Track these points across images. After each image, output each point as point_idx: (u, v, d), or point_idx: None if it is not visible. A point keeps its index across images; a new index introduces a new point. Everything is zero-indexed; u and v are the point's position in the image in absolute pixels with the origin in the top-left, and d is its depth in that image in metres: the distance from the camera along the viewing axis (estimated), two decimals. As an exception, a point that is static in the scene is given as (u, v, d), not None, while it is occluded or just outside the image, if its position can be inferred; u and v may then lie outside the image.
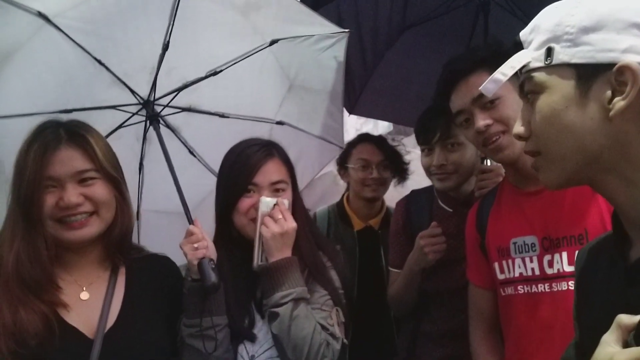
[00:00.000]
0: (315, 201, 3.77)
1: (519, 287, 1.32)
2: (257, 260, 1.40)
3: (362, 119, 4.89)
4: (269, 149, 1.48)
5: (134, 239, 1.49)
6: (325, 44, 2.16)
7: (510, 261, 1.35)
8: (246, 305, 1.42)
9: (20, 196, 1.19)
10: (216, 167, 1.60)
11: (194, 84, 1.92)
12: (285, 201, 1.42)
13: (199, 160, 2.09)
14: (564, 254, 1.25)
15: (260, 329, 1.40)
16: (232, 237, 1.44)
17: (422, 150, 1.94)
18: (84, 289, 1.25)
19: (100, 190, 1.24)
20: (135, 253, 1.36)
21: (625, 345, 0.64)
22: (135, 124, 1.94)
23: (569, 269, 1.23)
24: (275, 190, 1.44)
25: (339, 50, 2.20)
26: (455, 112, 1.44)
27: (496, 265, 1.39)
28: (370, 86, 2.95)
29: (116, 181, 1.29)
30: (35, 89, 1.75)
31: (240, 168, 1.44)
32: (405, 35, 2.80)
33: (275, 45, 2.02)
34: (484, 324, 1.50)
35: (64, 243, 1.23)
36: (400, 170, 2.45)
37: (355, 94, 2.99)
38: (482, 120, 1.35)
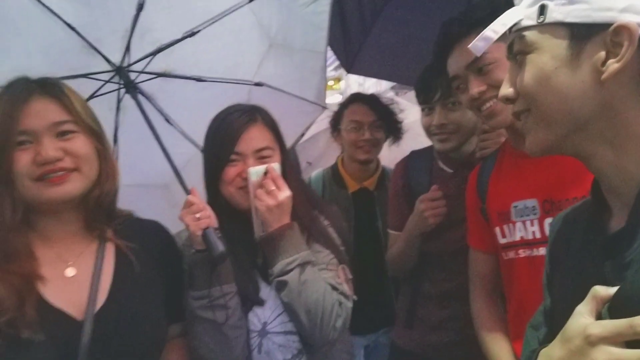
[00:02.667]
0: (319, 154, 3.73)
1: (520, 251, 1.30)
2: (257, 232, 1.37)
3: (365, 73, 4.78)
4: (251, 114, 1.40)
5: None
6: None
7: (511, 225, 1.32)
8: (248, 271, 1.39)
9: None
10: (192, 134, 1.51)
11: (169, 46, 1.80)
12: (276, 165, 1.37)
13: (175, 127, 1.97)
14: None
15: (269, 295, 1.36)
16: (222, 206, 1.39)
17: (422, 110, 1.89)
18: (70, 264, 1.14)
19: (80, 144, 1.13)
20: (123, 219, 1.26)
21: (599, 317, 0.63)
22: (107, 92, 1.82)
23: None
24: (261, 158, 1.38)
25: (324, 4, 2.05)
26: (451, 76, 1.40)
27: (497, 229, 1.37)
28: (368, 43, 2.87)
29: (97, 134, 1.17)
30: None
31: (222, 136, 1.38)
32: (405, -11, 2.70)
33: (255, 1, 1.89)
34: (485, 287, 1.49)
35: (43, 205, 1.11)
36: (394, 130, 2.38)
37: (353, 51, 2.91)
38: (475, 87, 1.31)
